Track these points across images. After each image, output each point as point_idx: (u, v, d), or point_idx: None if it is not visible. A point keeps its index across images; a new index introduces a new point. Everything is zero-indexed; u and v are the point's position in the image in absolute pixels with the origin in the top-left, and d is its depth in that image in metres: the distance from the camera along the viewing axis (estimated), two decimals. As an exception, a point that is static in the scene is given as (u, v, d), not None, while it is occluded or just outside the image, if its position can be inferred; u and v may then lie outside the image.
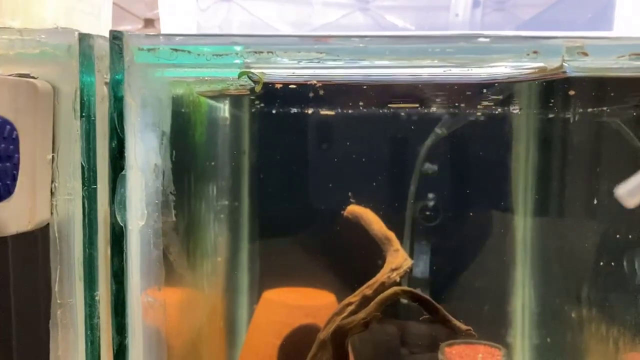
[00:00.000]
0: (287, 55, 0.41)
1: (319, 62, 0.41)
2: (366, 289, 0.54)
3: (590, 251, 0.65)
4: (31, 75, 0.38)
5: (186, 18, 0.82)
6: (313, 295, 0.74)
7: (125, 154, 0.38)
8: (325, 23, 0.86)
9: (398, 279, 0.55)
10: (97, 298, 0.39)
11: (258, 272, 0.79)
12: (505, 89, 0.60)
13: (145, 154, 0.41)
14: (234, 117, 0.73)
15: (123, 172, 0.38)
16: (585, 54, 0.40)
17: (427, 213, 0.76)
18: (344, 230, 0.73)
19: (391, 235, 0.59)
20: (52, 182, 0.38)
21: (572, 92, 0.60)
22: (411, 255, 0.75)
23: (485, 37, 0.40)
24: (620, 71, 0.42)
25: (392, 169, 0.76)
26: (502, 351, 0.67)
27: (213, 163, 0.64)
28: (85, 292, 0.39)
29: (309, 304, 0.71)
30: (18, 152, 0.36)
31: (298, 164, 0.78)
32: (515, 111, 0.71)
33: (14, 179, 0.36)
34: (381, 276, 0.55)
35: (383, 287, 0.53)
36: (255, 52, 0.40)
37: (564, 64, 0.41)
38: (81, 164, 0.38)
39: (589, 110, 0.65)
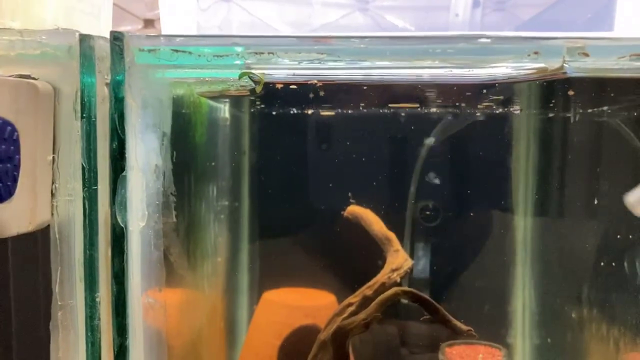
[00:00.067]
0: (288, 56, 0.41)
1: (319, 62, 0.41)
2: (366, 290, 0.54)
3: (591, 251, 0.65)
4: (32, 76, 0.38)
5: (186, 18, 0.82)
6: (313, 295, 0.74)
7: (126, 155, 0.38)
8: (325, 23, 0.86)
9: (398, 280, 0.55)
10: (97, 299, 0.39)
11: (258, 273, 0.79)
12: (505, 90, 0.60)
13: (146, 155, 0.41)
14: (234, 117, 0.73)
15: (124, 173, 0.38)
16: (586, 55, 0.40)
17: (427, 213, 0.76)
18: (344, 230, 0.73)
19: (391, 235, 0.59)
20: (53, 183, 0.38)
21: (572, 93, 0.60)
22: (411, 255, 0.75)
23: (487, 37, 0.40)
24: (621, 72, 0.42)
25: (392, 170, 0.76)
26: (502, 351, 0.67)
27: (213, 163, 0.64)
28: (85, 293, 0.39)
29: (309, 305, 0.71)
30: (19, 153, 0.36)
31: (298, 164, 0.78)
32: (515, 111, 0.71)
33: (15, 180, 0.36)
34: (381, 277, 0.55)
35: (383, 287, 0.53)
36: (256, 53, 0.40)
37: (564, 64, 0.41)
38: (82, 164, 0.38)
39: (589, 110, 0.65)
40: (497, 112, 0.72)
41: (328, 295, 0.73)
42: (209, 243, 0.62)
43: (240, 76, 0.42)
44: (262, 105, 0.75)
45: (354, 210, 0.62)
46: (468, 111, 0.72)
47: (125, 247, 0.39)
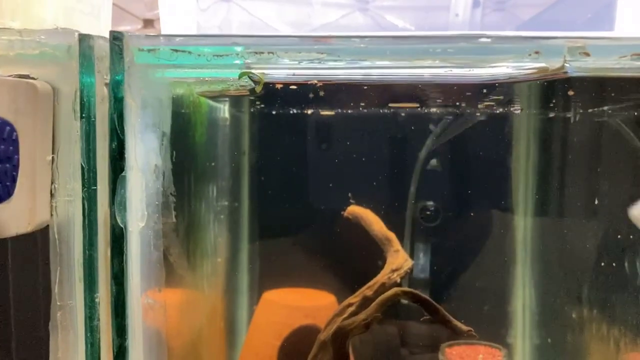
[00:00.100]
0: (288, 56, 0.40)
1: (319, 62, 0.41)
2: (367, 290, 0.53)
3: (591, 251, 0.65)
4: (31, 76, 0.38)
5: (186, 18, 0.82)
6: (313, 296, 0.74)
7: (126, 155, 0.38)
8: (325, 23, 0.86)
9: (398, 280, 0.55)
10: (97, 300, 0.39)
11: (258, 273, 0.79)
12: (506, 89, 0.60)
13: (146, 155, 0.41)
14: (234, 117, 0.73)
15: (123, 173, 0.38)
16: (587, 54, 0.40)
17: (428, 213, 0.75)
18: (344, 230, 0.73)
19: (391, 235, 0.59)
20: (52, 183, 0.38)
21: (572, 93, 0.60)
22: (411, 255, 0.75)
23: (487, 37, 0.40)
24: (622, 71, 0.42)
25: (392, 170, 0.76)
26: (502, 352, 0.67)
27: (213, 164, 0.64)
28: (85, 294, 0.39)
29: (309, 305, 0.71)
30: (18, 154, 0.36)
31: (298, 164, 0.78)
32: (516, 111, 0.71)
33: (14, 180, 0.36)
34: (382, 277, 0.54)
35: (383, 287, 0.53)
36: (256, 53, 0.40)
37: (565, 64, 0.41)
38: (81, 165, 0.38)
39: (590, 110, 0.65)
40: (498, 112, 0.72)
41: (328, 296, 0.72)
42: (208, 243, 0.62)
43: (240, 76, 0.42)
44: (262, 105, 0.74)
45: (354, 210, 0.62)
46: (468, 111, 0.72)
47: (124, 248, 0.38)
